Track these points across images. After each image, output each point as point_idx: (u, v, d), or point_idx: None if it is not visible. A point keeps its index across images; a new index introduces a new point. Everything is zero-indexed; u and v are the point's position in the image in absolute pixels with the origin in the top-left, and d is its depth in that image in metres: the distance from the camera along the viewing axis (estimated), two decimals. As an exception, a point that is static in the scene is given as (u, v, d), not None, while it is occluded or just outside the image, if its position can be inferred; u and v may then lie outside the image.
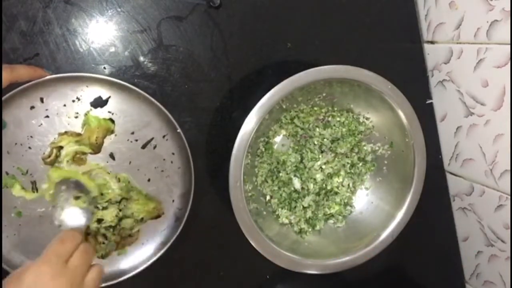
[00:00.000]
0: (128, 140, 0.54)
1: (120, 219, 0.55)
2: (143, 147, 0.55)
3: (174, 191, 0.57)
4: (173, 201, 0.57)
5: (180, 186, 0.57)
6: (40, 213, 0.53)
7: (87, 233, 0.55)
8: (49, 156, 0.52)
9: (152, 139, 0.55)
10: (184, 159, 0.55)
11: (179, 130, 0.54)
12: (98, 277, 0.44)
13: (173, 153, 0.56)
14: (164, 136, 0.55)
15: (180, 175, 0.56)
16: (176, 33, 0.55)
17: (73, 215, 0.54)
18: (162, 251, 0.55)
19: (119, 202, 0.55)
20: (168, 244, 0.55)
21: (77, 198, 0.54)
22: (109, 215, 0.54)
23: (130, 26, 0.54)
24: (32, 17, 0.50)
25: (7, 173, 0.51)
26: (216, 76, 0.58)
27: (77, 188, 0.54)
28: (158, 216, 0.56)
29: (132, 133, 0.54)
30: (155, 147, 0.55)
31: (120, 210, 0.55)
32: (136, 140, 0.55)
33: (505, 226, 0.64)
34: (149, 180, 0.56)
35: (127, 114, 0.54)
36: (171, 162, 0.56)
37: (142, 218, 0.56)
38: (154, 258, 0.55)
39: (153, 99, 0.52)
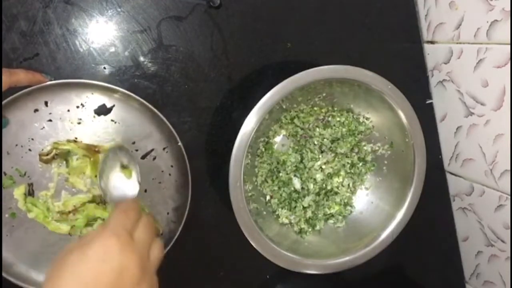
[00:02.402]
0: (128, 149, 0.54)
1: None
2: (143, 157, 0.55)
3: (170, 203, 0.57)
4: (167, 213, 0.57)
5: (176, 199, 0.56)
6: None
7: None
8: (47, 154, 0.51)
9: (152, 150, 0.55)
10: (182, 173, 0.55)
11: (179, 143, 0.53)
12: (161, 251, 0.41)
13: (171, 166, 0.56)
14: (164, 148, 0.55)
15: (177, 188, 0.56)
16: (176, 33, 0.55)
17: (118, 186, 0.49)
18: None
19: None
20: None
21: (124, 167, 0.50)
22: None
23: (130, 26, 0.54)
24: (32, 17, 0.50)
25: (5, 174, 0.51)
26: (216, 76, 0.58)
27: (126, 156, 0.51)
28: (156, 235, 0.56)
29: (133, 143, 0.54)
30: (154, 158, 0.55)
31: None
32: (137, 150, 0.54)
33: (505, 226, 0.64)
34: (145, 191, 0.56)
35: (130, 124, 0.53)
36: (169, 174, 0.56)
37: None
38: None
39: (157, 111, 0.52)
